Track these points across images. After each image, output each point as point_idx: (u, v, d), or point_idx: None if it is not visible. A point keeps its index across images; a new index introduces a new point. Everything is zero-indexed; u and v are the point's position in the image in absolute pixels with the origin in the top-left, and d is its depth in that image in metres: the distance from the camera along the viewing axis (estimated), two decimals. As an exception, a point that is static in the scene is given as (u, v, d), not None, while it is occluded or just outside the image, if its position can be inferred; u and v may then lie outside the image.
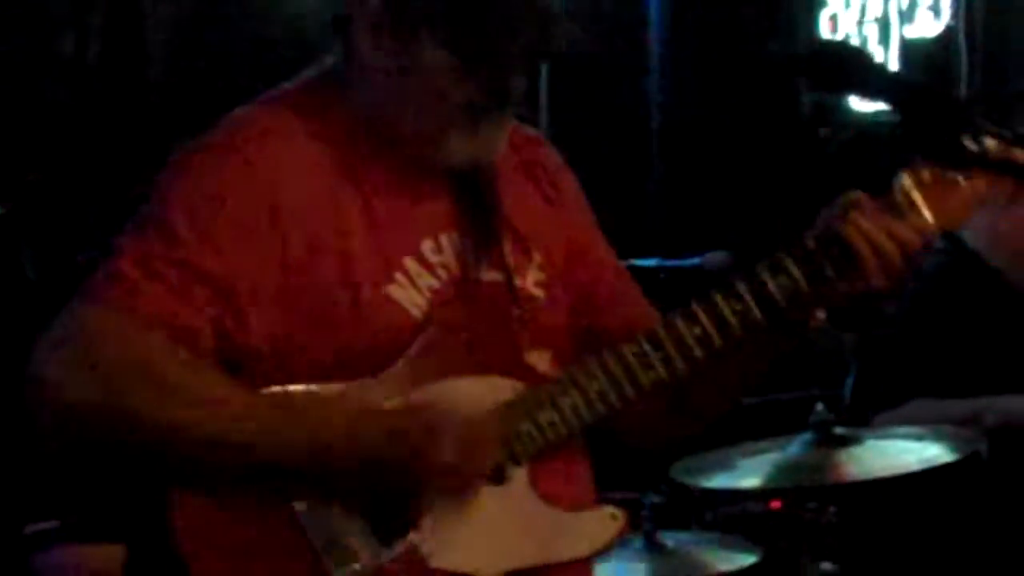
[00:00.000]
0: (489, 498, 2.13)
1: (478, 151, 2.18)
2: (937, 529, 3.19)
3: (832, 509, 3.42)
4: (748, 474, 3.22)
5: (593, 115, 5.59)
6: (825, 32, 5.84)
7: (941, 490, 3.33)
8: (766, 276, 2.17)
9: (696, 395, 2.25)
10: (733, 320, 2.16)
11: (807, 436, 3.16)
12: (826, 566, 3.47)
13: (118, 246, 2.03)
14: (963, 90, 5.57)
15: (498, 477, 2.12)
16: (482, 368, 2.21)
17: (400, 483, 2.06)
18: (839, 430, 3.16)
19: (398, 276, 2.16)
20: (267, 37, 5.14)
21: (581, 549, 2.21)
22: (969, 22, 5.61)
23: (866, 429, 3.22)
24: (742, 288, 2.18)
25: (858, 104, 5.69)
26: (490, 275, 2.21)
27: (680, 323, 2.16)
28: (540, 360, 2.24)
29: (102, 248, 3.13)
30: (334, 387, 2.12)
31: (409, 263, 2.16)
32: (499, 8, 2.16)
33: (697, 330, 2.16)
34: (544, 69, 4.60)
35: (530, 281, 2.26)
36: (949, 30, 5.66)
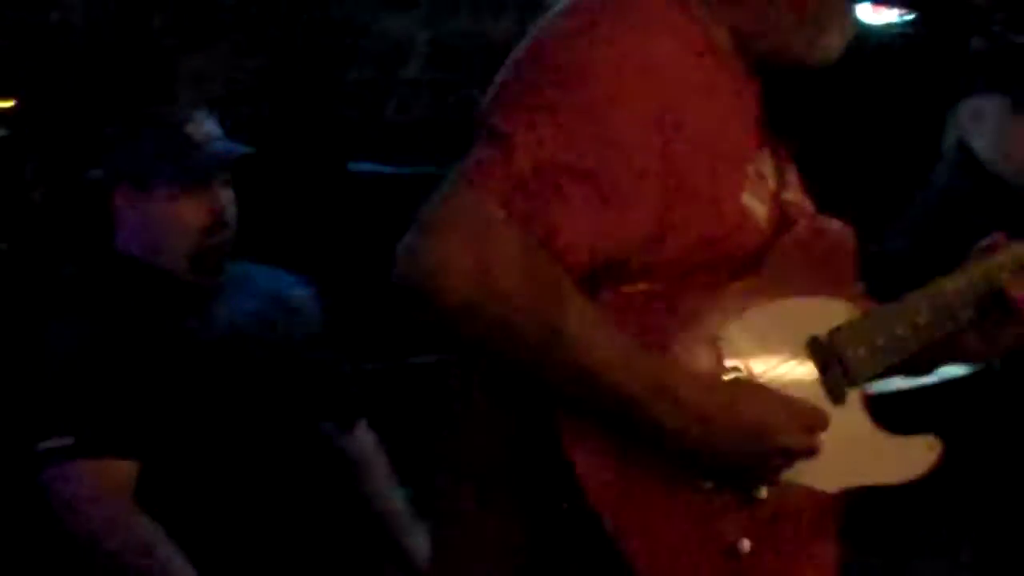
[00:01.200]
0: (832, 416, 2.22)
1: (841, 44, 2.25)
2: (952, 443, 3.28)
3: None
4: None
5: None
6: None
7: (954, 403, 3.34)
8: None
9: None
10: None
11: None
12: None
13: (510, 135, 2.06)
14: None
15: (838, 398, 2.21)
16: (822, 287, 2.27)
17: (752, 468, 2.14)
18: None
19: (748, 184, 2.20)
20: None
21: (904, 474, 2.30)
22: None
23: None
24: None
25: (867, 15, 5.71)
26: (794, 193, 2.31)
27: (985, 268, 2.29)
28: (856, 284, 2.33)
29: (107, 167, 3.27)
30: (712, 291, 2.17)
31: (750, 170, 2.22)
32: None
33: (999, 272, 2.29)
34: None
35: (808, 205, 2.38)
36: None
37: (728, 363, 2.12)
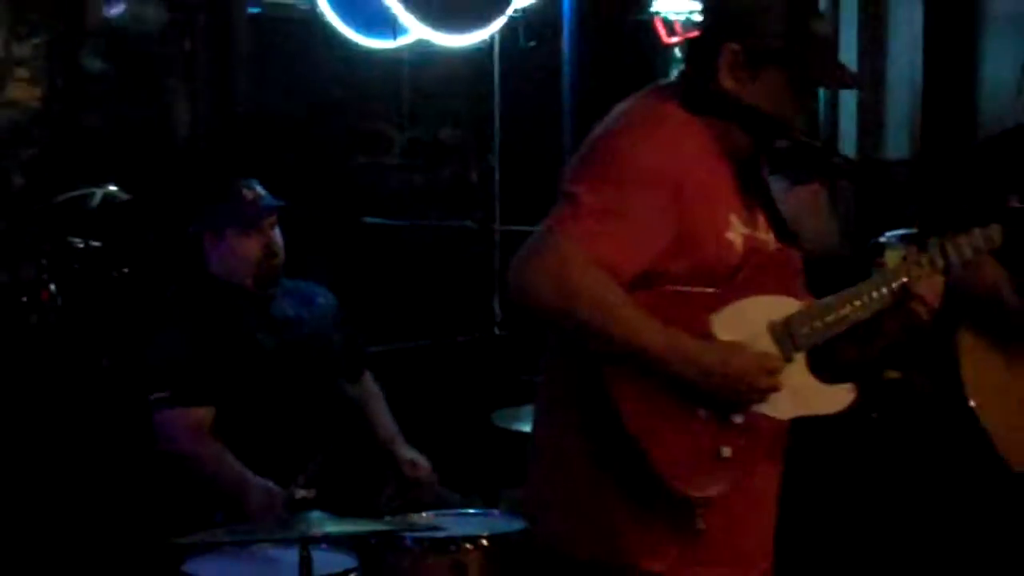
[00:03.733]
0: (784, 372, 2.62)
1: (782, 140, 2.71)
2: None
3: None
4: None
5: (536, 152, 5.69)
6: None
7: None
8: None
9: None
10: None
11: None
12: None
13: (577, 194, 2.53)
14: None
15: (789, 359, 2.63)
16: (780, 290, 2.67)
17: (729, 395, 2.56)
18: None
19: (730, 226, 2.63)
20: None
21: (832, 408, 2.69)
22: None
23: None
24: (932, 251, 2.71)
25: None
26: (762, 234, 2.70)
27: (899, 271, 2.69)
28: (804, 291, 2.73)
29: (197, 223, 3.93)
30: (708, 291, 2.58)
31: (732, 218, 2.64)
32: (816, 49, 2.64)
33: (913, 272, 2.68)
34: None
35: (772, 238, 2.72)
36: None
37: (718, 335, 2.58)
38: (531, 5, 5.50)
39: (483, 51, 5.47)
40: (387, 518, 3.60)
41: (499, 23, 5.38)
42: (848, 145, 6.29)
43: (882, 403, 4.47)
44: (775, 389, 2.56)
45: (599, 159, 2.58)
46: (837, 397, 2.69)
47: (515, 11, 5.42)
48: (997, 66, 5.94)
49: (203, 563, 3.26)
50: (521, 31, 5.54)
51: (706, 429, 2.53)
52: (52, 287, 4.18)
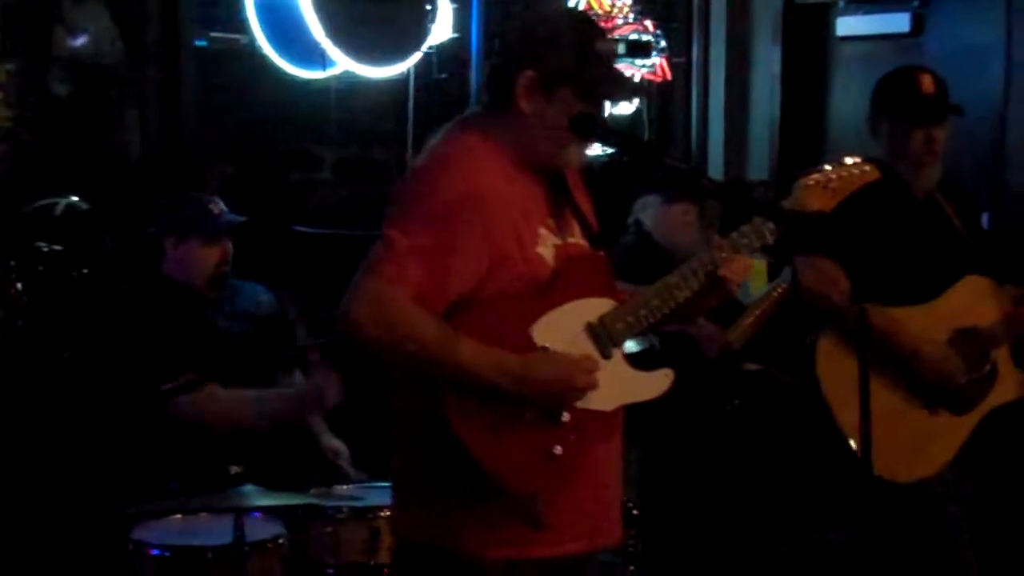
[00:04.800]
0: (602, 367, 2.65)
1: (582, 159, 2.74)
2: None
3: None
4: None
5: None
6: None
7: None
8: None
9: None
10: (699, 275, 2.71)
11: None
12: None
13: (390, 236, 2.54)
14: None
15: (607, 356, 2.67)
16: (593, 291, 2.70)
17: (551, 401, 2.62)
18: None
19: (539, 239, 2.66)
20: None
21: (651, 394, 2.73)
22: (649, 107, 6.77)
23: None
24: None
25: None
26: (574, 238, 2.73)
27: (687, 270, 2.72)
28: (616, 288, 2.76)
29: (160, 225, 4.09)
30: (525, 304, 2.60)
31: (542, 231, 2.67)
32: (601, 67, 2.68)
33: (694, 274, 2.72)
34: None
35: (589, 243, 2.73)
36: (637, 110, 6.67)
37: (539, 344, 2.62)
38: (443, 42, 5.72)
39: (401, 81, 5.72)
40: (312, 491, 3.78)
41: (415, 58, 5.66)
42: (715, 167, 6.89)
43: (742, 393, 4.78)
44: (593, 386, 2.59)
45: (407, 199, 2.60)
46: (656, 383, 2.73)
47: (429, 47, 5.65)
48: (844, 100, 6.71)
49: (150, 531, 3.50)
50: (435, 64, 5.76)
51: (535, 431, 2.55)
52: (19, 286, 4.29)
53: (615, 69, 2.76)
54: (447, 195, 2.54)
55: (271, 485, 3.45)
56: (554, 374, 2.53)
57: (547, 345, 2.58)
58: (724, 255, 2.70)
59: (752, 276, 4.38)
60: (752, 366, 4.74)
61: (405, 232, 2.51)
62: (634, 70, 6.47)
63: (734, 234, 2.74)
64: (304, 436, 4.25)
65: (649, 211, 4.92)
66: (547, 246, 2.65)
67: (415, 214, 2.55)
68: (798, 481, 4.22)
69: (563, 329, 2.59)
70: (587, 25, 2.71)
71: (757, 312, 4.40)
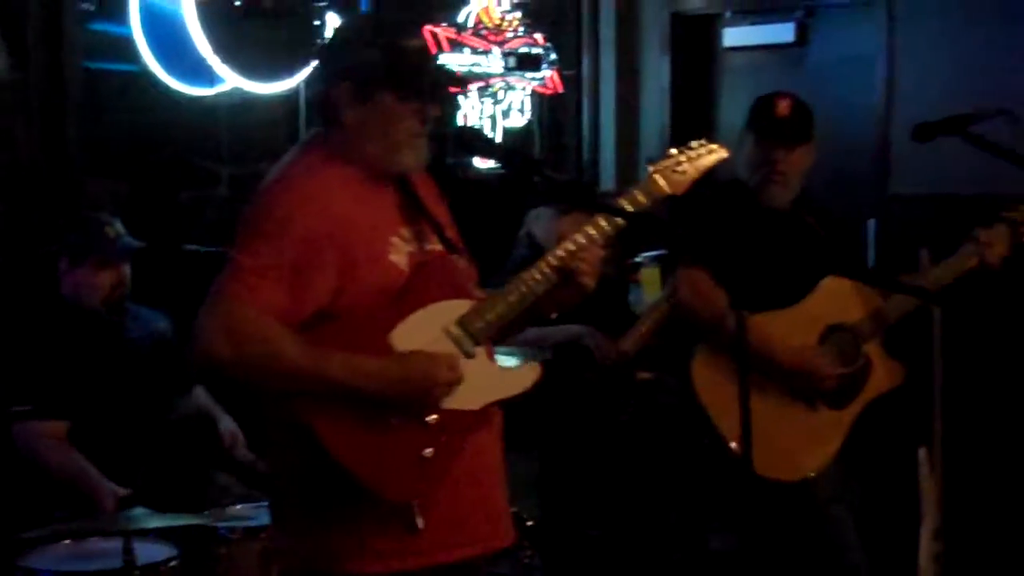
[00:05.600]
0: (466, 366, 2.65)
1: (419, 160, 2.69)
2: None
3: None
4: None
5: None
6: (460, 121, 6.33)
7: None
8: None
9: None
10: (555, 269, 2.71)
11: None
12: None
13: (237, 258, 2.53)
14: (537, 154, 6.76)
15: (469, 354, 2.67)
16: (450, 294, 2.70)
17: (417, 399, 2.62)
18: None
19: (391, 248, 2.65)
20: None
21: (518, 388, 2.74)
22: (540, 119, 6.90)
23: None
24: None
25: (480, 163, 6.25)
26: (431, 245, 2.72)
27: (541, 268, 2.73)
28: (475, 289, 2.77)
29: (58, 246, 4.01)
30: (382, 312, 2.58)
31: (394, 239, 2.66)
32: (413, 62, 2.66)
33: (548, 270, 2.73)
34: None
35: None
36: (529, 123, 6.81)
37: (399, 349, 2.61)
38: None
39: (292, 96, 5.74)
40: (205, 512, 3.72)
41: (304, 73, 5.64)
42: (607, 177, 6.95)
43: (636, 402, 4.73)
44: (456, 383, 2.60)
45: (252, 221, 2.59)
46: (523, 377, 2.75)
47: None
48: (732, 109, 6.73)
49: (39, 558, 3.44)
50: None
51: (403, 435, 2.56)
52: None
53: (428, 65, 2.75)
54: (288, 211, 2.54)
55: (163, 507, 3.46)
56: (415, 372, 2.54)
57: (408, 349, 2.59)
58: (573, 248, 2.72)
59: (646, 284, 4.99)
60: (645, 374, 4.71)
61: (249, 253, 2.52)
62: (525, 82, 6.56)
63: (582, 229, 2.79)
64: (197, 457, 4.25)
65: (541, 222, 4.85)
66: (400, 254, 2.65)
67: (258, 233, 2.54)
68: (690, 488, 4.18)
69: (422, 333, 2.60)
70: (392, 27, 2.71)
71: (650, 321, 4.46)
